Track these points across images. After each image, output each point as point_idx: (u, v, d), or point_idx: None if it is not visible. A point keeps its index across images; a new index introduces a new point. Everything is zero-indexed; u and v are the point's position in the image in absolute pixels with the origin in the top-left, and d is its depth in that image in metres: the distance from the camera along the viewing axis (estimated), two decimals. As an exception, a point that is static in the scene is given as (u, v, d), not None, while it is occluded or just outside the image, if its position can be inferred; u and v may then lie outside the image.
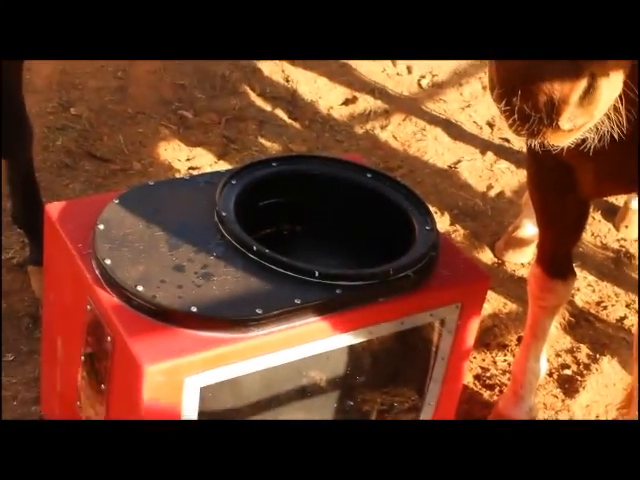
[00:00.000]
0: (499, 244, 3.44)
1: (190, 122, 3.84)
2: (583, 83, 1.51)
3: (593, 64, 1.50)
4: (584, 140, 1.65)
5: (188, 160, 3.64)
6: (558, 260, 2.51)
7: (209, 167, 3.60)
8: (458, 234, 3.50)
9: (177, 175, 3.52)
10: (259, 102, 4.03)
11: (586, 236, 3.51)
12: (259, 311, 1.92)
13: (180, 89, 4.00)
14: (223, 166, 3.60)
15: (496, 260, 3.42)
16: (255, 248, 2.04)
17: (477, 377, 2.97)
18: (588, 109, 1.55)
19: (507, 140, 4.00)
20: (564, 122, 1.54)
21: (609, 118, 1.62)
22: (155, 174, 3.51)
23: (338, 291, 2.01)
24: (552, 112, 1.53)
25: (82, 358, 2.08)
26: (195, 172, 3.54)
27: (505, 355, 3.04)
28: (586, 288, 3.35)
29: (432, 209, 2.32)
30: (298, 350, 1.99)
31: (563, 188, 2.31)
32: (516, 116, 1.55)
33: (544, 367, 2.79)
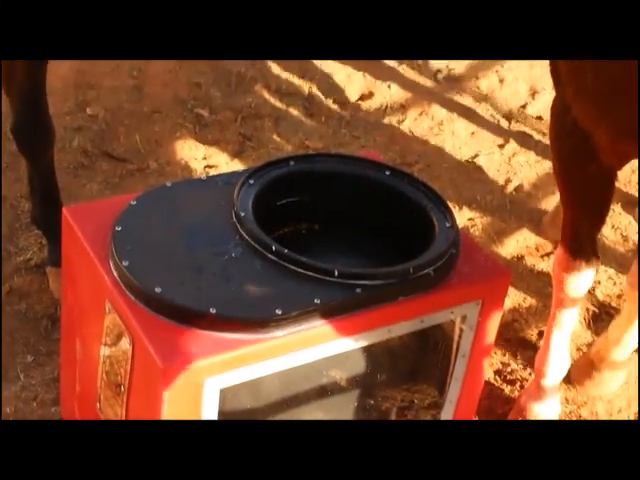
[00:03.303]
0: (546, 218, 3.43)
1: (206, 120, 3.83)
2: None
3: None
4: None
5: (205, 159, 3.63)
6: (581, 239, 2.48)
7: (226, 165, 3.59)
8: (476, 229, 3.48)
9: (194, 174, 3.51)
10: (275, 99, 4.01)
11: (606, 229, 3.48)
12: (279, 311, 1.91)
13: (196, 87, 3.99)
14: (240, 164, 3.59)
15: (515, 254, 3.40)
16: (274, 248, 2.03)
17: (498, 372, 2.95)
18: None
19: (525, 133, 3.97)
20: None
21: None
22: (172, 173, 3.50)
23: (358, 290, 2.00)
24: None
25: (101, 359, 2.08)
26: (212, 170, 3.53)
27: (526, 350, 3.02)
28: (607, 281, 3.32)
29: (450, 204, 2.31)
30: (318, 350, 1.98)
31: (584, 156, 2.28)
32: None
33: (567, 361, 2.77)
